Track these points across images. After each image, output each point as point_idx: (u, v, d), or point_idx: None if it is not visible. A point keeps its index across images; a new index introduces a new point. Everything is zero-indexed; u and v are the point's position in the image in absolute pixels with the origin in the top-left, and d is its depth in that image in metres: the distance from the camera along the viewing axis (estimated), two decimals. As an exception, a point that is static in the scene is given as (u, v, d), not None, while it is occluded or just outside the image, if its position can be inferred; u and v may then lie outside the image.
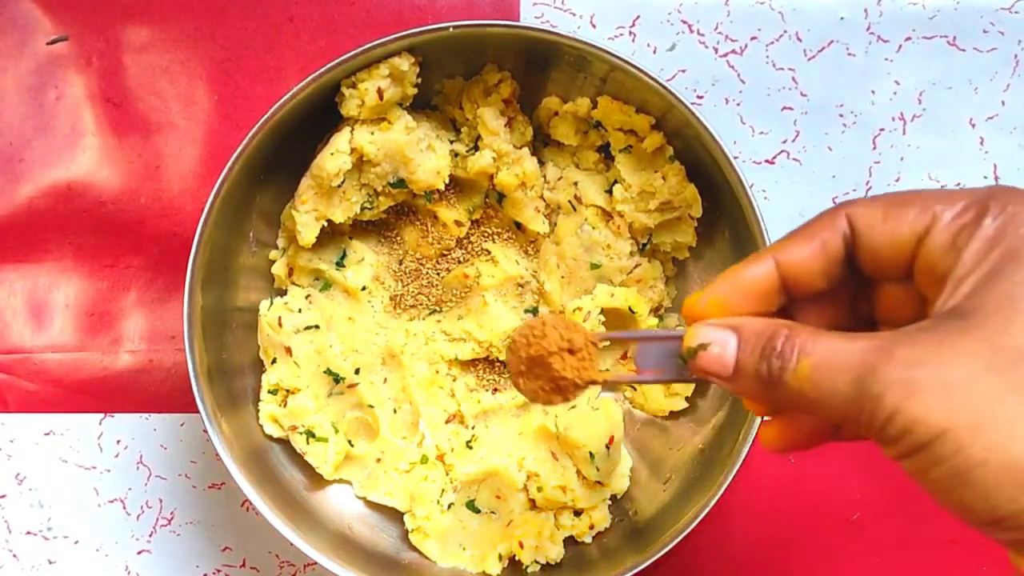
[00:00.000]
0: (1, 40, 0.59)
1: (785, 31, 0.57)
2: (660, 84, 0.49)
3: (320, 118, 0.52)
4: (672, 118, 0.51)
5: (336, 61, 0.49)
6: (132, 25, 0.58)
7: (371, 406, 0.55)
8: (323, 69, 0.49)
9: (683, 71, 0.58)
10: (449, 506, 0.55)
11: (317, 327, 0.54)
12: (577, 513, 0.56)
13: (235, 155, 0.49)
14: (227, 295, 0.53)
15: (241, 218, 0.53)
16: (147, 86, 0.59)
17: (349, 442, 0.55)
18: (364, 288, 0.55)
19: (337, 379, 0.55)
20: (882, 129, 0.58)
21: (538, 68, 0.53)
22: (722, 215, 0.52)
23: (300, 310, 0.54)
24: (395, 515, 0.56)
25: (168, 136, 0.59)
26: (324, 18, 0.58)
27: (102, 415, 0.58)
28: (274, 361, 0.54)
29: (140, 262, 0.59)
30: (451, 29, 0.49)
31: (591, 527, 0.55)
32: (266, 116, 0.49)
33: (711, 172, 0.51)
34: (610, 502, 0.56)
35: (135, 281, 0.59)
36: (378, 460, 0.55)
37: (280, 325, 0.54)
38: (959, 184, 0.58)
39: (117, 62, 0.59)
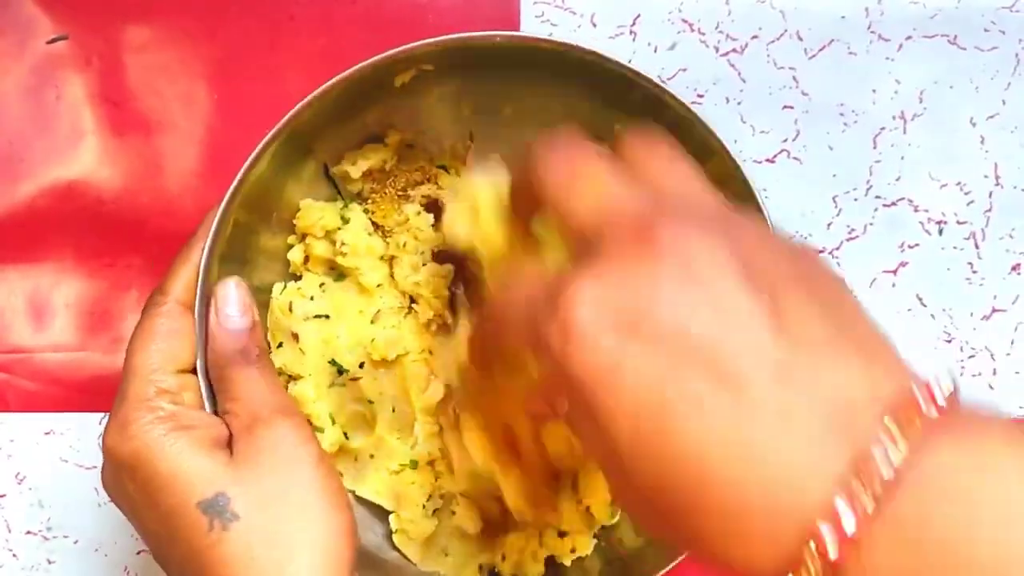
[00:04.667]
0: (0, 40, 0.59)
1: (786, 30, 0.57)
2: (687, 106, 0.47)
3: (360, 103, 0.50)
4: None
5: (393, 50, 0.47)
6: (132, 24, 0.58)
7: (370, 402, 0.55)
8: (377, 58, 0.47)
9: (684, 70, 0.58)
10: (434, 512, 0.55)
11: (327, 317, 0.54)
12: (562, 534, 0.55)
13: (273, 131, 0.47)
14: (243, 273, 0.52)
15: (267, 199, 0.52)
16: (147, 85, 0.59)
17: (345, 434, 0.55)
18: (379, 285, 0.55)
19: (340, 371, 0.54)
20: (883, 128, 0.58)
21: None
22: None
23: (312, 298, 0.54)
24: (382, 513, 0.56)
25: (168, 135, 0.59)
26: (324, 17, 0.58)
27: (102, 414, 0.58)
28: (280, 345, 0.54)
29: (141, 262, 0.59)
30: (498, 39, 0.47)
31: (572, 550, 0.55)
32: (308, 98, 0.47)
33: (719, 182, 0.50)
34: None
35: (136, 281, 0.59)
36: (371, 456, 0.55)
37: (290, 310, 0.53)
38: (960, 183, 0.58)
39: (117, 62, 0.59)
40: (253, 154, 0.47)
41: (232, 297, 0.45)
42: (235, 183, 0.47)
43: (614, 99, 0.50)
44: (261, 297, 0.54)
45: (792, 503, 0.26)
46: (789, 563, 0.26)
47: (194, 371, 0.45)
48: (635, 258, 0.29)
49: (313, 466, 0.41)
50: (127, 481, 0.41)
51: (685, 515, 0.28)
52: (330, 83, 0.47)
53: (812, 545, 0.26)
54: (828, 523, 0.26)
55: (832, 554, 0.25)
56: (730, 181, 0.50)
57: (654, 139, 0.35)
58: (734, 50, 0.58)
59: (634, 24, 0.58)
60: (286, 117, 0.47)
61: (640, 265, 0.29)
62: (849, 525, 0.25)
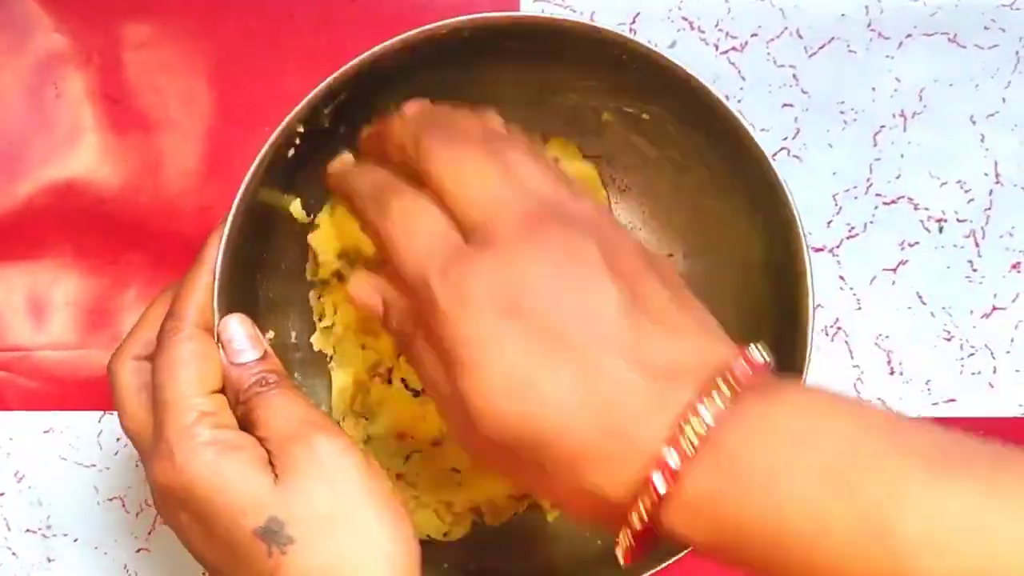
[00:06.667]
0: (0, 37, 0.59)
1: (786, 28, 0.57)
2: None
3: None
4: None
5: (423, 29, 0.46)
6: (132, 22, 0.58)
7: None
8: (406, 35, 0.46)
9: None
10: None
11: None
12: None
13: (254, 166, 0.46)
14: (256, 285, 0.52)
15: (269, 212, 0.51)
16: (147, 83, 0.59)
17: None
18: None
19: None
20: (883, 126, 0.58)
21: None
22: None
23: None
24: None
25: (168, 133, 0.59)
26: (324, 15, 0.59)
27: (102, 413, 0.58)
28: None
29: (140, 259, 0.59)
30: (465, 33, 0.46)
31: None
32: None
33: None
34: None
35: (135, 279, 0.59)
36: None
37: None
38: (960, 181, 0.58)
39: (117, 59, 0.58)
40: (247, 178, 0.47)
41: (238, 333, 0.45)
42: (237, 200, 0.46)
43: (610, 79, 0.51)
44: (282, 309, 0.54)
45: (629, 450, 0.33)
46: (630, 498, 0.33)
47: (224, 391, 0.44)
48: (523, 248, 0.35)
49: (360, 475, 0.40)
50: (179, 511, 0.41)
51: (541, 467, 0.34)
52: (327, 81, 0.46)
53: (654, 479, 0.32)
54: (656, 468, 0.32)
55: (660, 488, 0.32)
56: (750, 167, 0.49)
57: (523, 139, 0.42)
58: (734, 48, 0.58)
59: (634, 22, 0.58)
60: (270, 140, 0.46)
61: (527, 255, 0.35)
62: (673, 462, 0.32)
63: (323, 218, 0.53)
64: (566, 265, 0.35)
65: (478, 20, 0.48)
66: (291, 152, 0.49)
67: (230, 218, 0.47)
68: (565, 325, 0.34)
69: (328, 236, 0.53)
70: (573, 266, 0.35)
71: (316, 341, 0.55)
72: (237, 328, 0.45)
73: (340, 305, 0.54)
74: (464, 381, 0.35)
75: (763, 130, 0.58)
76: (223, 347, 0.44)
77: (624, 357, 0.34)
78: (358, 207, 0.43)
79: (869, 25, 0.57)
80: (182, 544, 0.43)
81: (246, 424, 0.43)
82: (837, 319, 0.58)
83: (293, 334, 0.54)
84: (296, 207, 0.52)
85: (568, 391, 0.33)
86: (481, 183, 0.38)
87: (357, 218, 0.43)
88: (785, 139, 0.58)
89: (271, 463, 0.41)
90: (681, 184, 0.54)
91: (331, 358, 0.55)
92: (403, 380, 0.54)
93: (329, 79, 0.47)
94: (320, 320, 0.54)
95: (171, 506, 0.42)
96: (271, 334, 0.53)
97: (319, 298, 0.55)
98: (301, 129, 0.48)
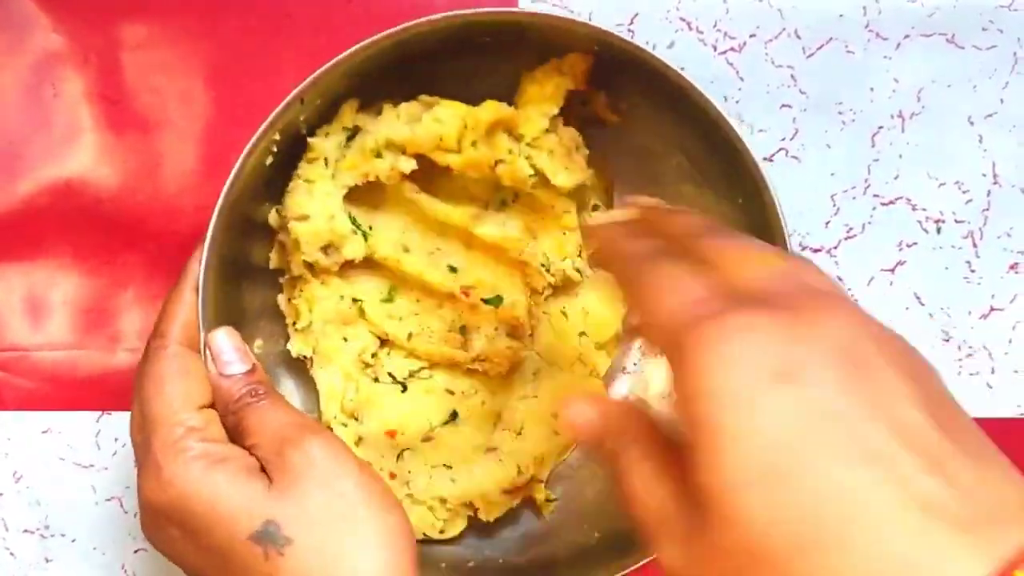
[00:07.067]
0: (-1, 38, 0.59)
1: (784, 28, 0.57)
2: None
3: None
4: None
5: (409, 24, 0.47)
6: (130, 22, 0.58)
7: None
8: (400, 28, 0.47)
9: (682, 68, 0.57)
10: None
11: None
12: None
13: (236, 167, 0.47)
14: (239, 298, 0.52)
15: (249, 221, 0.51)
16: (145, 84, 0.59)
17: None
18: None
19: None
20: (881, 127, 0.58)
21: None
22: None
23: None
24: None
25: (166, 134, 0.59)
26: (322, 16, 0.58)
27: (100, 413, 0.58)
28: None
29: (138, 259, 0.59)
30: (440, 22, 0.47)
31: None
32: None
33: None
34: None
35: (133, 279, 0.59)
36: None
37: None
38: (958, 182, 0.58)
39: (115, 59, 0.58)
40: (224, 191, 0.47)
41: (226, 345, 0.45)
42: (215, 214, 0.47)
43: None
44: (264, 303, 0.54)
45: None
46: None
47: (212, 406, 0.45)
48: (799, 323, 0.29)
49: (355, 475, 0.41)
50: (169, 527, 0.42)
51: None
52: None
53: None
54: None
55: None
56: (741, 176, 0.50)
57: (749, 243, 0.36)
58: (732, 49, 0.58)
59: (632, 23, 0.58)
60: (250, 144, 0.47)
61: (802, 330, 0.29)
62: None
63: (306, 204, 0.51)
64: (844, 358, 0.29)
65: (436, 20, 0.48)
66: (269, 160, 0.49)
67: (210, 232, 0.47)
68: (843, 418, 0.27)
69: (313, 228, 0.51)
70: (852, 360, 0.29)
71: (293, 346, 0.53)
72: (225, 341, 0.46)
73: (315, 301, 0.53)
74: (708, 442, 0.28)
75: (761, 130, 0.58)
76: (212, 359, 0.45)
77: (921, 475, 0.26)
78: (622, 266, 0.37)
79: (867, 26, 0.57)
80: (173, 563, 0.43)
81: (236, 434, 0.44)
82: (835, 320, 0.58)
83: (282, 341, 0.54)
84: (275, 216, 0.52)
85: (842, 488, 0.26)
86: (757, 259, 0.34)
87: (618, 275, 0.38)
88: (783, 140, 0.58)
89: (264, 470, 0.41)
90: (660, 172, 0.54)
91: (311, 361, 0.54)
92: (390, 374, 0.54)
93: (299, 87, 0.47)
94: (295, 323, 0.53)
95: (160, 523, 0.42)
96: (259, 342, 0.53)
97: (289, 300, 0.54)
98: (277, 137, 0.48)
